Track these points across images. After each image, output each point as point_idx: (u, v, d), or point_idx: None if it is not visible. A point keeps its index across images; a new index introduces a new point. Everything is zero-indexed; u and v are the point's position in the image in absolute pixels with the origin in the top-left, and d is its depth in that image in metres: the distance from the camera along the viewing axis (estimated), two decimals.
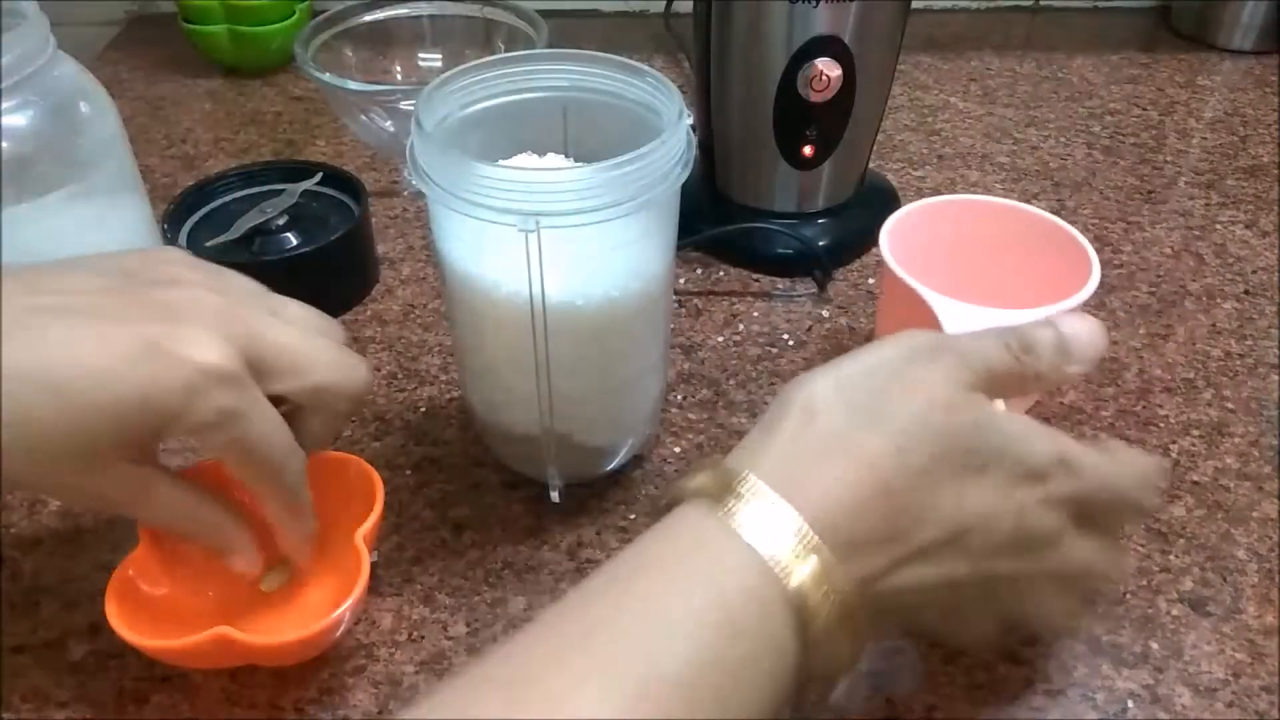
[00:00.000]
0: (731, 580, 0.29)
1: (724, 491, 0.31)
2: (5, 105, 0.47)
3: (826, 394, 0.33)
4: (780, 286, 0.65)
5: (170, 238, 0.59)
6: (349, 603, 0.38)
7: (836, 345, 0.60)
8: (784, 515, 0.30)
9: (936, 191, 0.75)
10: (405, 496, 0.50)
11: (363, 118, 0.68)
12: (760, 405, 0.55)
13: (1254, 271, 0.67)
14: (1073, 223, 0.53)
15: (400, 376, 0.57)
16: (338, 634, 0.41)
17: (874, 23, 0.59)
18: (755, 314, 0.62)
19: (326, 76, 0.66)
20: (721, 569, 0.29)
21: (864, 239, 0.67)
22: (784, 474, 0.31)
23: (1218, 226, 0.71)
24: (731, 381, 0.57)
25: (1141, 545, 0.48)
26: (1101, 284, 0.49)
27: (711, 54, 0.62)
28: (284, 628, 0.42)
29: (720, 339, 0.60)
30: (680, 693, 0.27)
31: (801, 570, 0.29)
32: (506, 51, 0.47)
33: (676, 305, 0.63)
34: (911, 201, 0.55)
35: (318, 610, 0.41)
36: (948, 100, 0.88)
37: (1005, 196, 0.60)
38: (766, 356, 0.59)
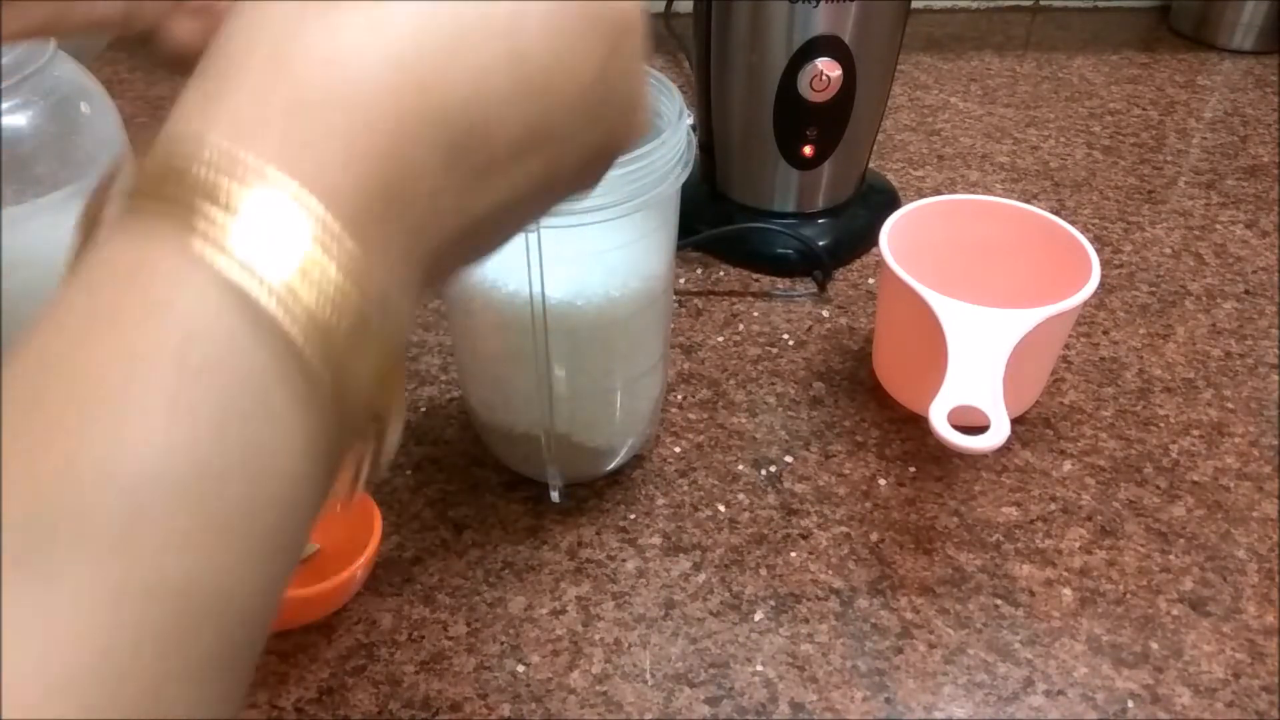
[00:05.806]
0: (212, 327, 0.18)
1: (200, 196, 0.18)
2: (5, 105, 0.47)
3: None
4: (780, 286, 0.65)
5: None
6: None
7: (836, 345, 0.60)
8: (296, 222, 0.18)
9: (936, 191, 0.75)
10: (405, 496, 0.50)
11: None
12: (760, 405, 0.55)
13: (1254, 271, 0.67)
14: (1073, 223, 0.53)
15: None
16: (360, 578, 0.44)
17: (874, 23, 0.59)
18: (755, 314, 0.62)
19: None
20: (197, 314, 0.18)
21: (864, 239, 0.67)
22: (279, 135, 0.19)
23: (1218, 226, 0.71)
24: (731, 381, 0.57)
25: (1141, 545, 0.48)
26: (1101, 284, 0.49)
27: (711, 54, 0.62)
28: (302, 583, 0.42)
29: (720, 339, 0.60)
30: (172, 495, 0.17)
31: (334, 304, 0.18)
32: None
33: (676, 305, 0.63)
34: (911, 201, 0.55)
35: (331, 563, 0.42)
36: (948, 100, 0.88)
37: (1005, 196, 0.60)
38: (766, 356, 0.59)
